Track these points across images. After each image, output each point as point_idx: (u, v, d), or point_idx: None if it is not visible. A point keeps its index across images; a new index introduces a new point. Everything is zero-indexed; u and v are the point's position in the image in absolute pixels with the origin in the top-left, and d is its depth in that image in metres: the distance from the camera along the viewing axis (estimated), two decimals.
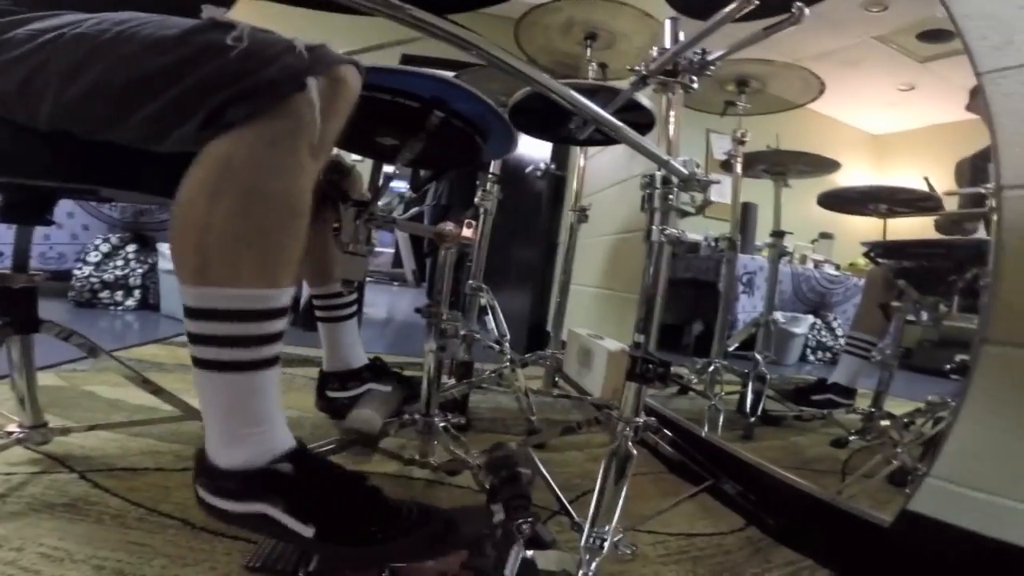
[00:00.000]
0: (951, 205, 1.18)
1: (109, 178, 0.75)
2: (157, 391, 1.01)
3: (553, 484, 0.91)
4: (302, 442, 0.68)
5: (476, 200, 1.73)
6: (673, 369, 0.82)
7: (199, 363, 0.62)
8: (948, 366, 0.98)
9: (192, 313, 0.62)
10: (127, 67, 0.61)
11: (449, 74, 1.15)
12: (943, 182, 1.19)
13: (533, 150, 2.53)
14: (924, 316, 1.19)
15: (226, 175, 0.59)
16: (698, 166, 0.79)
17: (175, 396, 1.03)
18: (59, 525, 0.72)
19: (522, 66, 0.60)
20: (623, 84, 1.66)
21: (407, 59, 3.60)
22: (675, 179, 0.78)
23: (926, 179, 1.18)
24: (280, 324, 0.64)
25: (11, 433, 0.85)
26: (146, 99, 0.61)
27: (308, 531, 0.62)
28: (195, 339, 0.62)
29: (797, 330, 1.64)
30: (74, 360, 1.49)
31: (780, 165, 1.52)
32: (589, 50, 1.56)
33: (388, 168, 1.09)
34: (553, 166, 2.17)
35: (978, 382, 0.71)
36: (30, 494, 0.79)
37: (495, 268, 1.90)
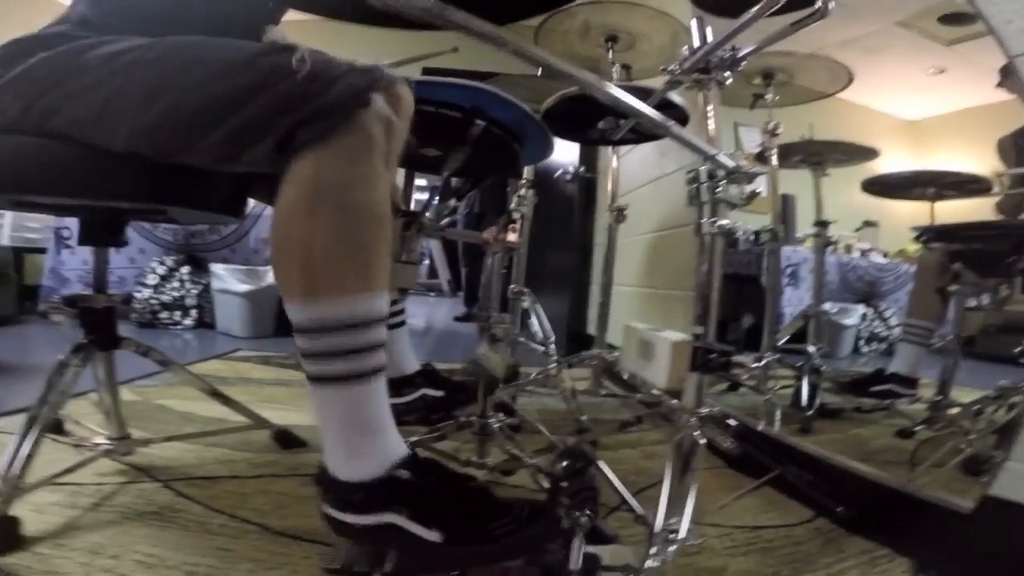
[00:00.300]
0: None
1: (176, 198, 0.79)
2: (227, 402, 1.06)
3: (615, 480, 0.92)
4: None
5: (512, 206, 1.75)
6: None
7: (316, 379, 0.64)
8: (1017, 349, 0.95)
9: (304, 330, 0.63)
10: (199, 91, 0.64)
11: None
12: (986, 163, 1.15)
13: (560, 154, 2.54)
14: (985, 299, 1.15)
15: (317, 193, 0.61)
16: (744, 159, 0.79)
17: (244, 407, 1.08)
18: (150, 532, 0.76)
19: (578, 72, 0.61)
20: (648, 84, 1.67)
21: (428, 73, 3.67)
22: (721, 172, 0.78)
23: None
24: (383, 332, 0.66)
25: (99, 445, 0.90)
26: (218, 122, 0.64)
27: (434, 536, 0.62)
28: (309, 356, 0.64)
29: (848, 321, 1.60)
30: (145, 376, 1.57)
31: (816, 155, 1.50)
32: (611, 52, 1.58)
33: (422, 180, 1.12)
34: (583, 169, 2.17)
35: None
36: (121, 503, 0.84)
37: (530, 273, 1.92)
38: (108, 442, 0.91)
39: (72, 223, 2.59)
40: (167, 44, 0.68)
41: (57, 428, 1.00)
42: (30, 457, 0.75)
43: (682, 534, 0.68)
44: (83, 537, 0.73)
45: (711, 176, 0.79)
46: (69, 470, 0.84)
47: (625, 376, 1.84)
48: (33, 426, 0.77)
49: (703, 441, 0.73)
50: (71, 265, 2.69)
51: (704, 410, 0.75)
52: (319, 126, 0.61)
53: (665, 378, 1.69)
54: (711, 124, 0.89)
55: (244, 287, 2.54)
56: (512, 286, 1.73)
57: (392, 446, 0.66)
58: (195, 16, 0.80)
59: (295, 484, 0.95)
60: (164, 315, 2.63)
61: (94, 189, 0.74)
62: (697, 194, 0.80)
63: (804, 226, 1.54)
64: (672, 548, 0.67)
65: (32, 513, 0.76)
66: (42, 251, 2.83)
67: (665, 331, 1.77)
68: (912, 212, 1.37)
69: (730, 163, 0.78)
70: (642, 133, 1.43)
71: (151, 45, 0.68)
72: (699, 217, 0.80)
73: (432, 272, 6.44)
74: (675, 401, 1.39)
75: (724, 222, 0.78)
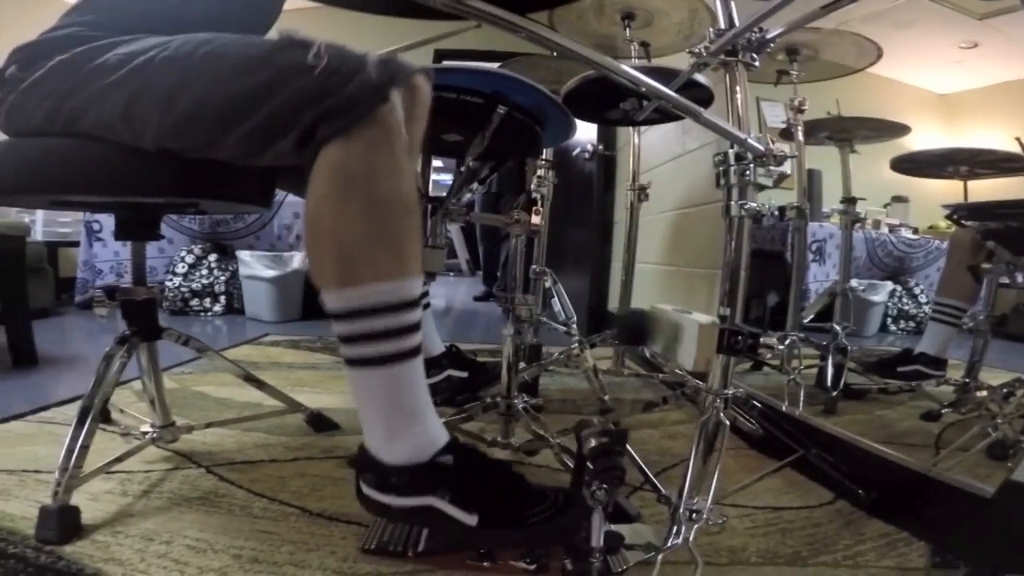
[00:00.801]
0: None
1: (207, 191, 0.81)
2: (262, 387, 1.09)
3: (639, 460, 0.93)
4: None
5: (532, 187, 1.75)
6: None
7: (354, 362, 0.66)
8: None
9: (340, 315, 0.65)
10: (219, 88, 0.65)
11: (494, 66, 1.16)
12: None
13: (578, 133, 2.51)
14: (1019, 278, 1.13)
15: (346, 184, 0.63)
16: (773, 141, 0.78)
17: (279, 391, 1.12)
18: (197, 518, 0.80)
19: (592, 54, 0.61)
20: (667, 61, 1.63)
21: (440, 54, 3.62)
22: (749, 155, 0.77)
23: (1018, 139, 1.11)
24: (417, 314, 0.68)
25: (146, 433, 0.94)
26: (240, 119, 0.65)
27: (472, 519, 0.66)
28: (347, 340, 0.66)
29: (876, 298, 1.58)
30: (181, 363, 1.63)
31: (844, 132, 1.46)
32: (628, 30, 1.55)
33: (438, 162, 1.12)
34: (601, 147, 2.15)
35: None
36: (169, 489, 0.88)
37: (550, 252, 1.92)
38: (154, 430, 0.95)
39: (102, 216, 2.66)
40: (182, 42, 0.68)
41: (104, 417, 1.05)
42: (85, 448, 0.79)
43: (704, 514, 0.69)
44: (136, 524, 0.77)
45: (739, 158, 0.79)
46: (119, 459, 0.88)
47: (648, 355, 1.84)
48: (87, 417, 0.81)
49: (727, 423, 0.74)
50: (103, 257, 2.78)
51: (730, 391, 0.76)
52: (340, 121, 0.62)
53: (692, 360, 1.69)
54: (739, 107, 0.87)
55: (271, 272, 2.59)
56: (534, 266, 1.74)
57: (434, 431, 0.68)
58: (199, 9, 0.81)
59: (330, 466, 0.99)
60: (195, 302, 2.70)
61: (130, 186, 0.76)
62: (725, 176, 0.80)
63: (830, 201, 1.51)
64: (696, 527, 0.69)
65: (88, 502, 0.80)
66: (75, 244, 2.93)
67: (693, 313, 1.77)
68: (944, 188, 1.34)
69: (760, 147, 0.77)
70: (666, 113, 1.40)
71: (165, 43, 0.68)
72: (727, 199, 0.80)
73: (451, 252, 6.48)
74: (699, 382, 1.39)
75: (752, 204, 0.78)
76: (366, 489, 0.69)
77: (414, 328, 0.67)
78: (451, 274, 6.46)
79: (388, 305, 0.65)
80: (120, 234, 0.93)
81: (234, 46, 0.67)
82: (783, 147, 0.79)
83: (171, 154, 0.71)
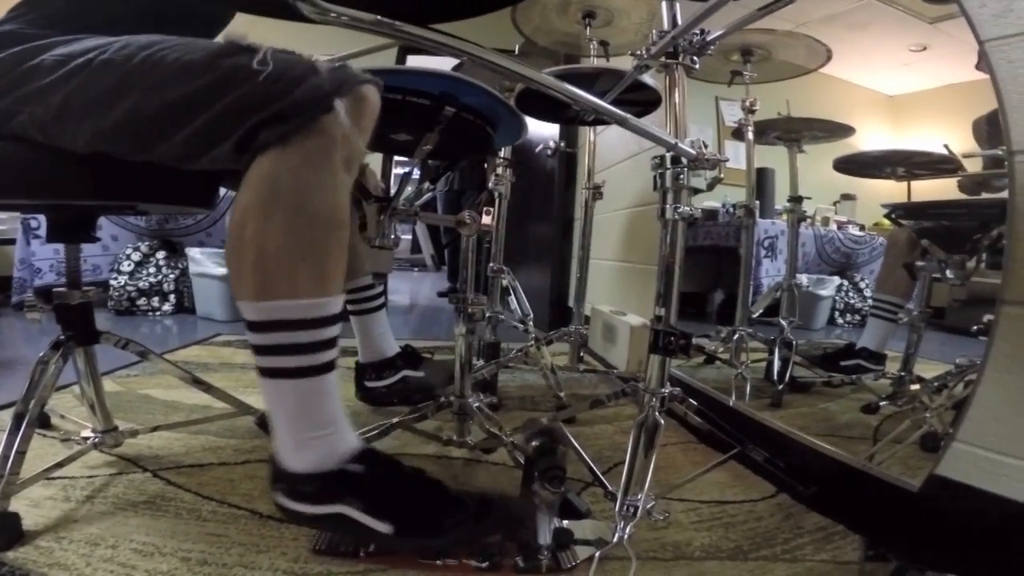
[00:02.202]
0: (975, 165, 1.16)
1: (146, 194, 0.79)
2: (209, 390, 1.07)
3: (586, 456, 0.95)
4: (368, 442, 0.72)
5: (490, 185, 1.75)
6: (696, 340, 0.83)
7: (265, 372, 0.66)
8: (975, 327, 0.99)
9: (255, 326, 0.65)
10: (160, 93, 0.64)
11: (453, 62, 1.15)
12: (963, 141, 1.17)
13: (542, 128, 2.53)
14: (949, 274, 1.19)
15: (274, 196, 0.62)
16: (706, 146, 0.81)
17: (227, 394, 1.09)
18: (144, 522, 0.78)
19: (516, 66, 0.62)
20: (626, 60, 1.66)
21: (405, 47, 3.58)
22: (684, 160, 0.80)
23: (946, 146, 1.17)
24: (335, 330, 0.68)
25: (88, 438, 0.92)
26: (180, 124, 0.64)
27: (386, 527, 0.66)
28: (260, 350, 0.65)
29: (824, 292, 1.64)
30: (127, 366, 1.58)
31: (793, 132, 1.51)
32: (588, 28, 1.57)
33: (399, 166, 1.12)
34: (563, 144, 2.17)
35: (999, 345, 0.71)
36: (113, 494, 0.86)
37: (513, 248, 1.93)
38: (96, 435, 0.92)
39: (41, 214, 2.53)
40: (121, 43, 0.67)
41: (44, 423, 1.02)
42: (21, 454, 0.76)
43: (642, 510, 0.72)
44: (81, 529, 0.75)
45: (675, 162, 0.81)
46: (60, 464, 0.85)
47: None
48: (21, 422, 0.78)
49: (662, 422, 0.76)
50: (42, 255, 2.63)
51: (666, 390, 0.78)
52: (281, 128, 0.62)
53: (624, 362, 1.73)
54: (678, 109, 0.90)
55: (222, 270, 2.50)
56: (491, 264, 1.74)
57: (344, 440, 0.69)
58: (143, 9, 0.79)
59: None
60: (142, 301, 2.59)
61: (56, 189, 0.73)
62: (662, 179, 0.82)
63: (783, 198, 1.56)
64: (633, 523, 0.71)
65: (29, 508, 0.78)
66: (11, 242, 2.75)
67: (628, 315, 1.81)
68: (891, 187, 1.39)
69: (691, 151, 0.79)
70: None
71: (106, 46, 0.66)
72: (662, 202, 0.82)
73: (416, 247, 6.43)
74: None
75: (685, 208, 0.80)
76: (279, 498, 0.69)
77: (329, 344, 0.67)
78: (415, 269, 6.41)
79: (304, 320, 0.64)
80: (52, 236, 0.90)
81: (176, 50, 0.65)
82: (724, 142, 0.82)
83: (105, 156, 0.69)
